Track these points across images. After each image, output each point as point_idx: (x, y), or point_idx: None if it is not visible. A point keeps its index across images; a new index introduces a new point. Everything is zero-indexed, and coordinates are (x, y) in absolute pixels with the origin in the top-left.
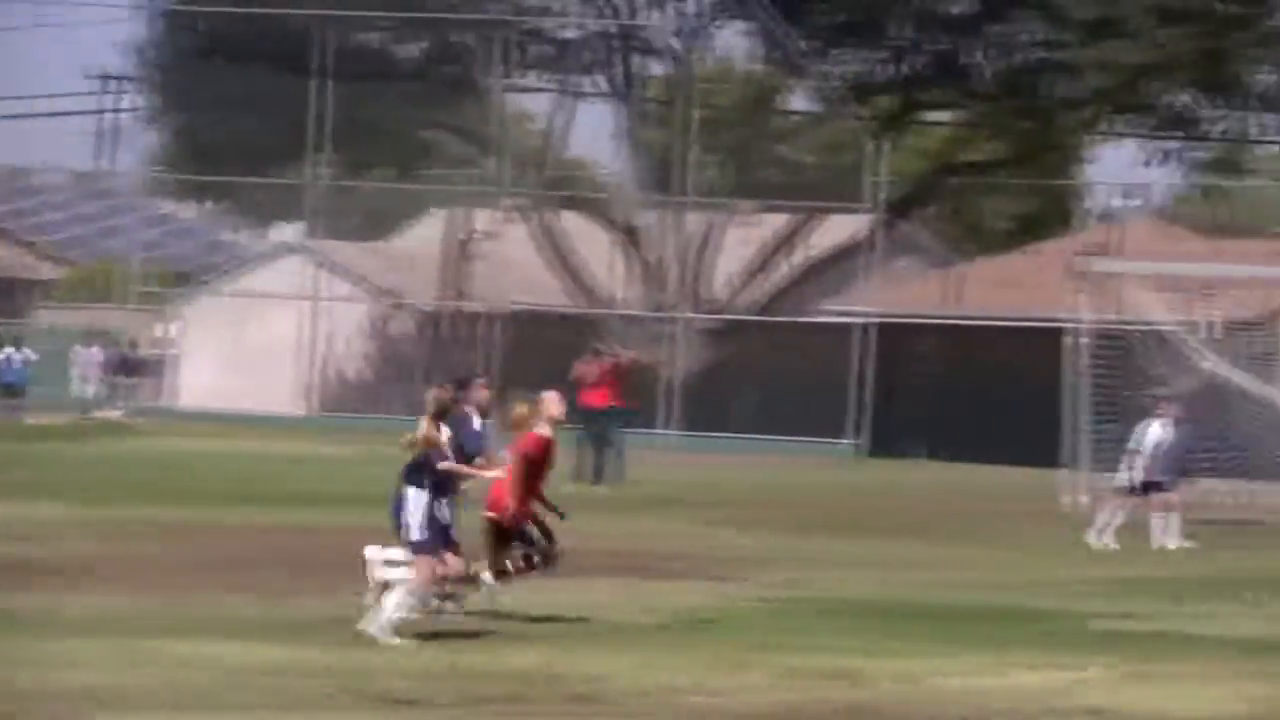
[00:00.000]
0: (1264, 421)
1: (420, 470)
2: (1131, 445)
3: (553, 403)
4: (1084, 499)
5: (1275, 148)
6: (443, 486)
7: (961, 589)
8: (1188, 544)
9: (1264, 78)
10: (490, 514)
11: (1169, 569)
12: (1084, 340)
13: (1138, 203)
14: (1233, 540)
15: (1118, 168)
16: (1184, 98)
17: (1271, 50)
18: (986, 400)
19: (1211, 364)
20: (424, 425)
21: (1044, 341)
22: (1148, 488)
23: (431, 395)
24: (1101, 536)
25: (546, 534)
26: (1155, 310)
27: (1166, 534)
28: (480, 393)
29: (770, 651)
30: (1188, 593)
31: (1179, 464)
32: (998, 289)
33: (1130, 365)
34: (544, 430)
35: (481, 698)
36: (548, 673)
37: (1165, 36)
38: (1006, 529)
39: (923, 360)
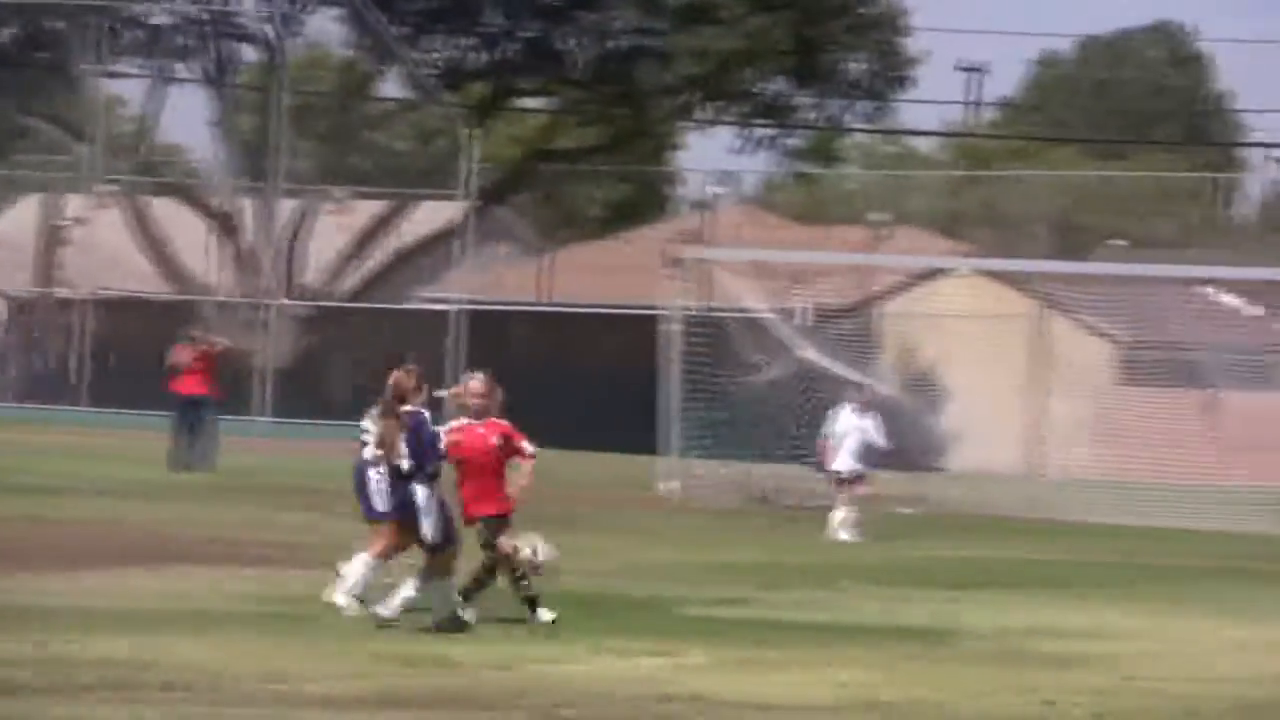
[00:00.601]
0: None
1: (420, 469)
2: (824, 433)
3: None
4: (675, 485)
5: (866, 135)
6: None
7: (560, 575)
8: (855, 537)
9: (856, 65)
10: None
11: (767, 555)
12: (678, 327)
13: (731, 190)
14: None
15: (711, 155)
16: (777, 85)
17: (863, 38)
18: (581, 387)
19: (805, 349)
20: (379, 427)
21: (639, 328)
22: (838, 476)
23: (392, 379)
24: (840, 531)
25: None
26: (749, 297)
27: (843, 525)
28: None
29: (367, 638)
30: (784, 579)
31: (869, 452)
32: (592, 275)
33: (725, 351)
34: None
35: (72, 685)
36: (142, 660)
37: (758, 24)
38: (603, 515)
39: (516, 347)
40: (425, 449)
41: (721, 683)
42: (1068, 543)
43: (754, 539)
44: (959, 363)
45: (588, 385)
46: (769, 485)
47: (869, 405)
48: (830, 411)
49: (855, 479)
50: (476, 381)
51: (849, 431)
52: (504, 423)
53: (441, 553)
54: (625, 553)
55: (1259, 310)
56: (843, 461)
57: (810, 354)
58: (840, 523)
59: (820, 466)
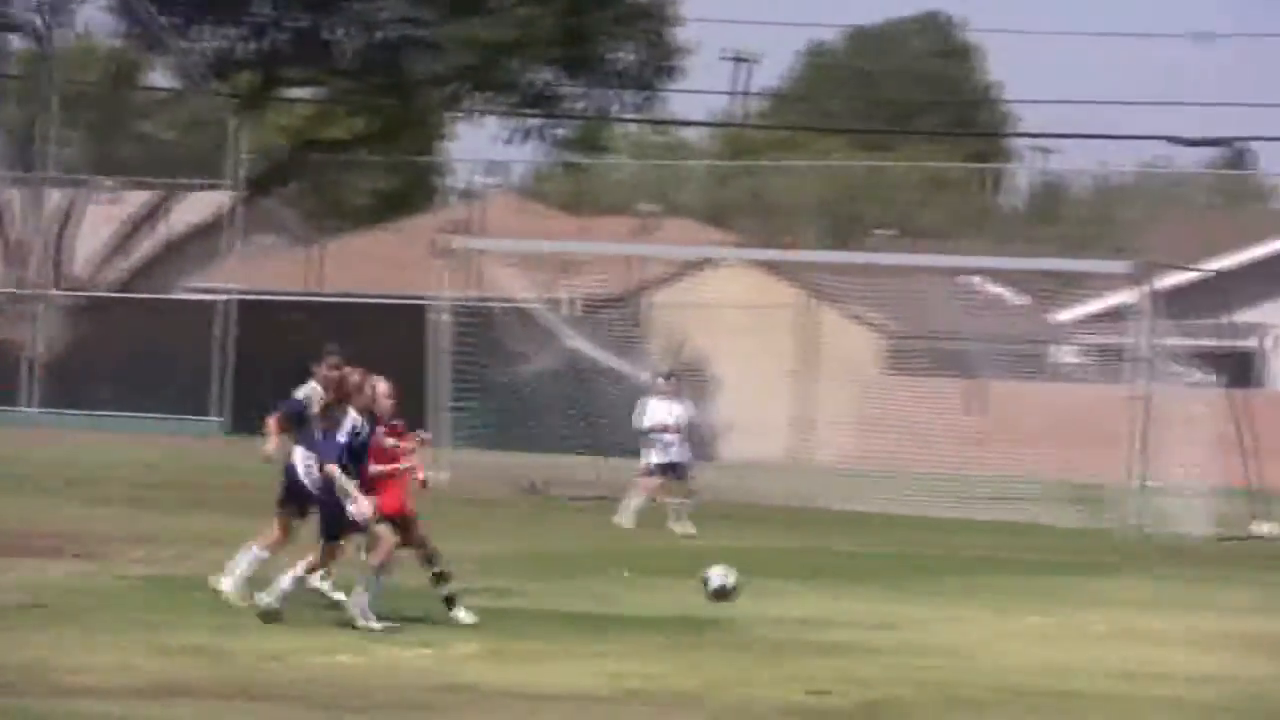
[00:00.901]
0: (624, 397)
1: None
2: (635, 425)
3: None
4: (444, 475)
5: (635, 125)
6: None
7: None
8: (691, 530)
9: (624, 55)
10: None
11: (536, 545)
12: (447, 317)
13: (500, 180)
14: (601, 515)
15: (480, 144)
16: (545, 75)
17: (631, 28)
18: None
19: (573, 340)
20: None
21: (409, 318)
22: (665, 469)
23: (338, 377)
24: (622, 519)
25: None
26: (518, 287)
27: (679, 519)
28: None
29: (140, 628)
30: (555, 569)
31: (691, 438)
32: (361, 266)
33: (494, 342)
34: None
35: None
36: None
37: (527, 14)
38: None
39: (285, 338)
40: (324, 447)
41: (492, 672)
42: (837, 532)
43: (523, 529)
44: (727, 353)
45: None
46: (539, 475)
47: (676, 393)
48: (639, 403)
49: (674, 469)
50: (385, 384)
51: (661, 421)
52: (396, 423)
53: (333, 544)
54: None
55: (1026, 300)
56: (665, 453)
57: (579, 344)
58: (675, 511)
59: (650, 460)
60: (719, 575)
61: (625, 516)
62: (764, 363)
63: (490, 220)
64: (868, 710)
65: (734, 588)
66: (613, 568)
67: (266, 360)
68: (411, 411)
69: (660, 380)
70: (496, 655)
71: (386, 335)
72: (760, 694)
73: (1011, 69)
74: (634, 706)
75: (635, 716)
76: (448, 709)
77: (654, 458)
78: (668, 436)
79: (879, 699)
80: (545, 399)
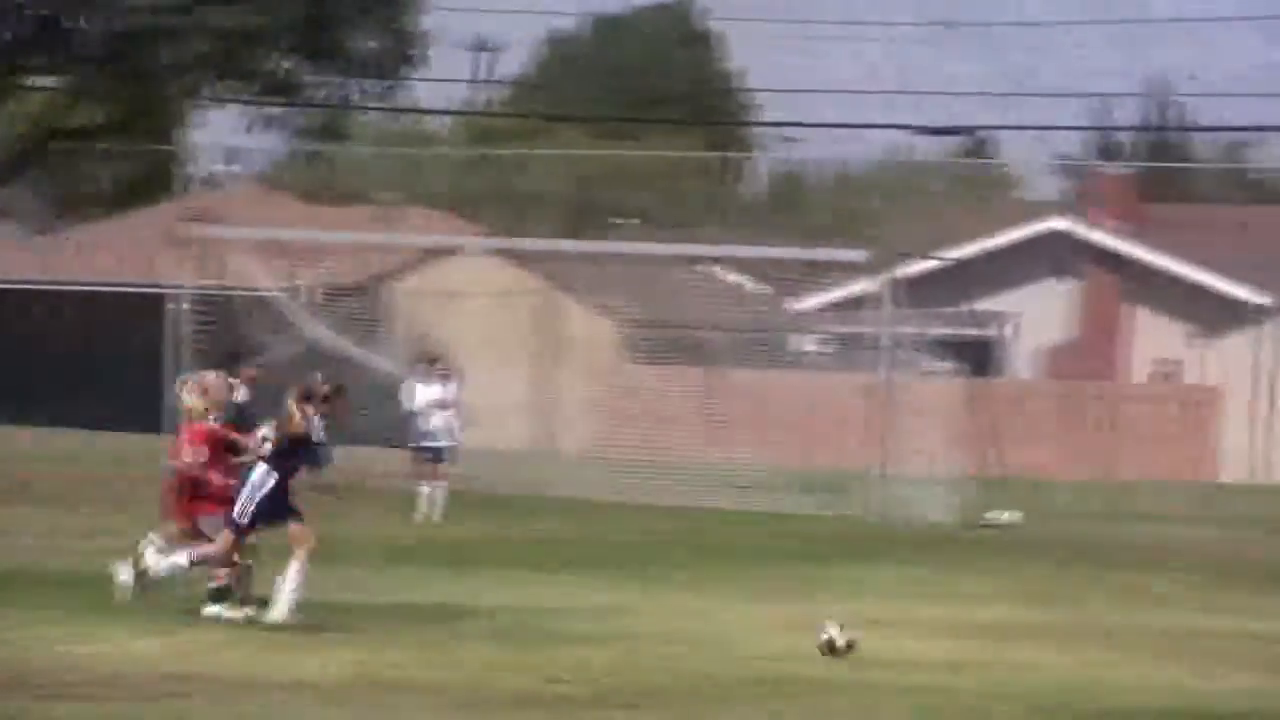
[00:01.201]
0: (364, 385)
1: (289, 455)
2: (406, 408)
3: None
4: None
5: (375, 113)
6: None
7: (52, 554)
8: (437, 518)
9: (364, 44)
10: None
11: (279, 534)
12: (186, 306)
13: (241, 168)
14: (341, 506)
15: (220, 133)
16: (287, 63)
17: (372, 16)
18: (86, 367)
19: (313, 328)
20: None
21: (146, 307)
22: (427, 452)
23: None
24: (431, 510)
25: None
26: (257, 275)
27: (433, 505)
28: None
29: None
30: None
31: (454, 426)
32: (100, 255)
33: (233, 331)
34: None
35: None
36: None
37: (269, 2)
38: (112, 495)
39: (20, 327)
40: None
41: (229, 662)
42: (580, 521)
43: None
44: (470, 341)
45: (95, 365)
46: None
47: (444, 376)
48: (404, 387)
49: (435, 452)
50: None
51: (429, 406)
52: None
53: (235, 536)
54: (135, 533)
55: (767, 288)
56: (431, 436)
57: (318, 332)
58: (436, 502)
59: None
60: (835, 631)
61: (433, 510)
62: (507, 351)
63: (233, 209)
64: (602, 697)
65: (844, 649)
66: (365, 557)
67: (3, 351)
68: (151, 401)
69: (425, 364)
70: (240, 644)
71: (126, 324)
72: (500, 683)
73: (753, 58)
74: (375, 695)
75: (375, 705)
76: (179, 698)
77: (421, 440)
78: (435, 419)
79: (615, 687)
80: (286, 388)
